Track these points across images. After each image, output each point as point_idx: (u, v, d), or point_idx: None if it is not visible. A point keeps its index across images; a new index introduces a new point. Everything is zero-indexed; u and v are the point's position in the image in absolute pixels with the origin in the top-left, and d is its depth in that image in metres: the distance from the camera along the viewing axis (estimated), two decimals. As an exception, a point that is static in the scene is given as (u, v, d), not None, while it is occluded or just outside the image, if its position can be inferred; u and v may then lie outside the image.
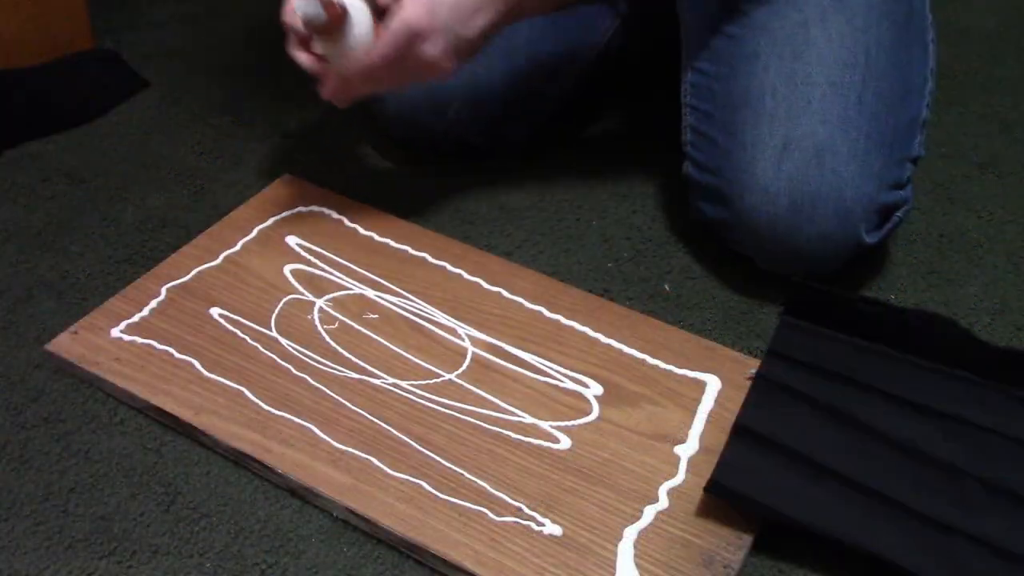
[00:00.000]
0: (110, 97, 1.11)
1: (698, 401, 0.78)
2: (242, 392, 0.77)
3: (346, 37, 0.81)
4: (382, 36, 0.82)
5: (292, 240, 0.92)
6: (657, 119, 1.12)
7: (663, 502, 0.71)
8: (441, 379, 0.79)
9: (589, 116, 1.12)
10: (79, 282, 0.89)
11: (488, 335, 0.83)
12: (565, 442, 0.75)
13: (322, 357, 0.80)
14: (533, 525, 0.69)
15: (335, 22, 0.80)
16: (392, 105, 1.02)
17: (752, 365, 0.80)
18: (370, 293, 0.87)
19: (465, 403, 0.77)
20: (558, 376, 0.80)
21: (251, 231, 0.92)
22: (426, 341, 0.82)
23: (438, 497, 0.70)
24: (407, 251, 0.91)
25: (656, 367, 0.81)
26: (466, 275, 0.89)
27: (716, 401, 0.78)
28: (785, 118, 0.85)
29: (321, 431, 0.74)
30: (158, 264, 0.89)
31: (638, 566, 0.67)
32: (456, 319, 0.84)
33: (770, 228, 0.85)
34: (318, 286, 0.87)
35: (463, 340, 0.83)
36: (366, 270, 0.89)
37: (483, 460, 0.73)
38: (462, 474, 0.72)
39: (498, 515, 0.69)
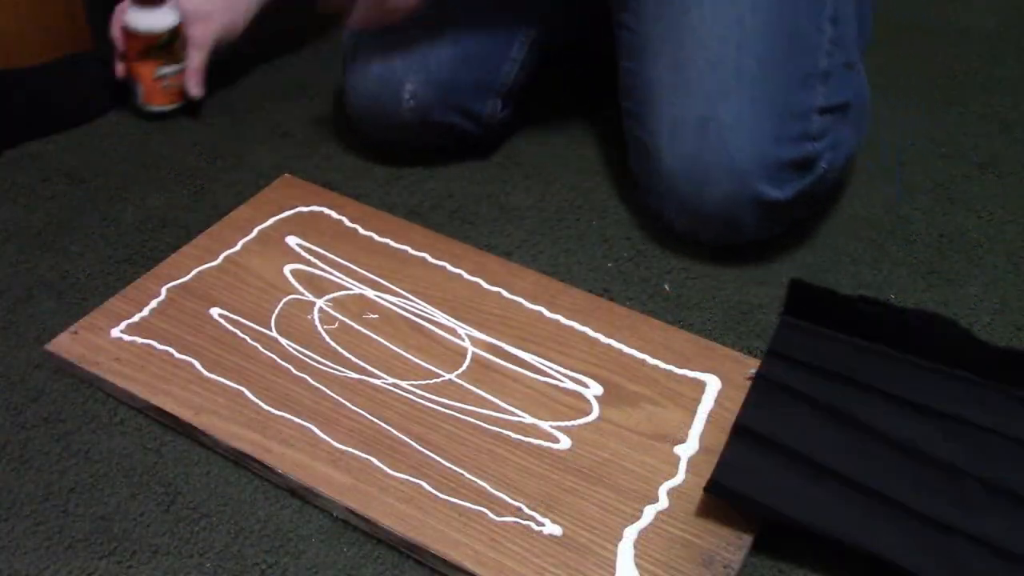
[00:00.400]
0: (110, 97, 1.11)
1: (698, 401, 0.78)
2: (242, 392, 0.77)
3: None
4: None
5: (292, 240, 0.92)
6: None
7: (663, 502, 0.71)
8: (441, 379, 0.79)
9: (587, 108, 1.12)
10: (79, 282, 0.89)
11: (488, 335, 0.83)
12: (565, 442, 0.75)
13: (322, 357, 0.80)
14: (533, 525, 0.69)
15: None
16: (353, 104, 1.02)
17: (752, 365, 0.80)
18: (370, 293, 0.87)
19: (465, 403, 0.77)
20: (558, 376, 0.80)
21: (251, 231, 0.92)
22: (426, 341, 0.82)
23: (438, 497, 0.70)
24: (407, 251, 0.91)
25: (656, 367, 0.81)
26: (466, 275, 0.89)
27: (716, 401, 0.78)
28: (671, 103, 0.90)
29: (321, 431, 0.74)
30: (158, 264, 0.89)
31: (638, 566, 0.67)
32: (456, 319, 0.84)
33: (681, 204, 0.91)
34: (318, 286, 0.87)
35: (463, 340, 0.83)
36: (366, 270, 0.89)
37: (483, 460, 0.73)
38: (462, 474, 0.72)
39: (498, 515, 0.69)
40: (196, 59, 1.08)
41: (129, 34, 1.05)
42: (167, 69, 1.07)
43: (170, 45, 1.06)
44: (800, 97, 0.89)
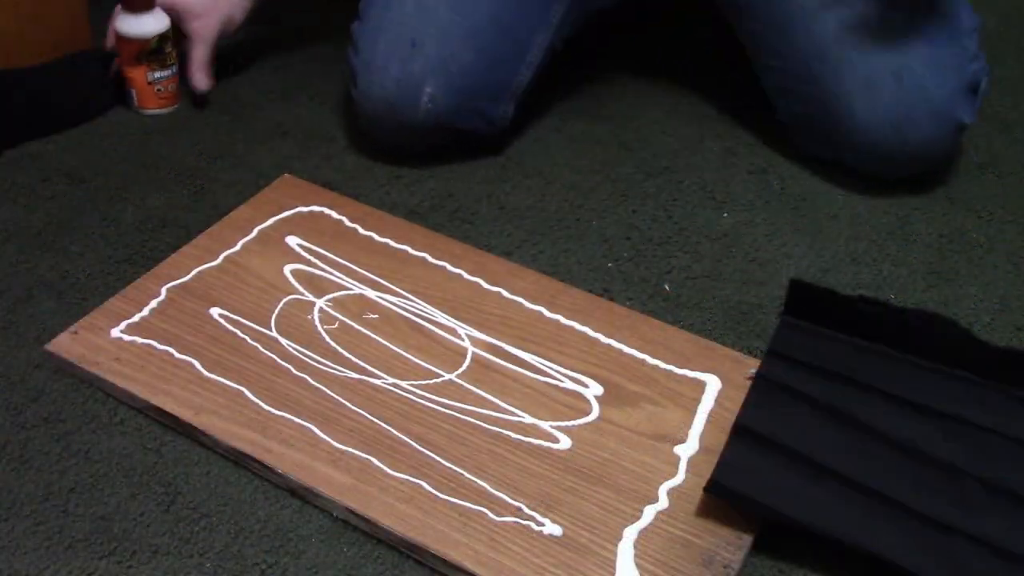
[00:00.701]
0: (110, 97, 1.11)
1: (698, 401, 0.78)
2: (242, 392, 0.77)
3: None
4: None
5: (292, 240, 0.92)
6: (656, 117, 1.12)
7: (663, 502, 0.71)
8: (441, 379, 0.79)
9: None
10: (79, 282, 0.89)
11: (488, 335, 0.83)
12: (565, 442, 0.75)
13: (322, 357, 0.80)
14: (533, 525, 0.69)
15: None
16: (366, 104, 1.01)
17: (752, 365, 0.80)
18: (370, 293, 0.87)
19: (465, 403, 0.77)
20: (558, 376, 0.80)
21: (251, 231, 0.92)
22: (426, 341, 0.82)
23: (438, 497, 0.70)
24: (407, 251, 0.91)
25: (656, 367, 0.81)
26: (466, 275, 0.89)
27: (716, 401, 0.78)
28: (858, 59, 0.96)
29: (321, 431, 0.74)
30: (158, 264, 0.89)
31: (638, 566, 0.67)
32: (456, 319, 0.84)
33: (879, 152, 0.97)
34: (318, 286, 0.87)
35: (463, 340, 0.83)
36: (366, 270, 0.89)
37: (483, 460, 0.73)
38: (462, 474, 0.72)
39: (498, 515, 0.69)
40: (200, 53, 1.09)
41: (120, 40, 1.07)
42: (159, 74, 1.08)
43: (160, 50, 1.07)
44: (962, 23, 0.97)
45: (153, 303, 0.85)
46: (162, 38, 1.07)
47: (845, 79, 0.96)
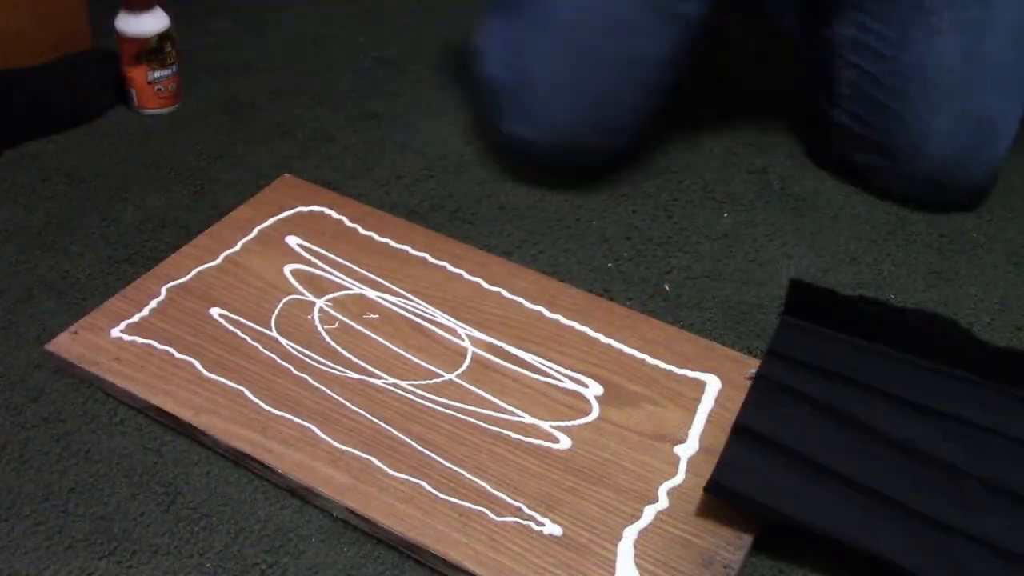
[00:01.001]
0: (110, 97, 1.11)
1: (698, 401, 0.78)
2: (242, 392, 0.77)
3: None
4: None
5: (292, 240, 0.92)
6: (655, 117, 1.12)
7: (663, 502, 0.71)
8: (441, 379, 0.79)
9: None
10: (79, 282, 0.89)
11: (488, 335, 0.83)
12: (565, 442, 0.75)
13: (322, 357, 0.80)
14: (533, 525, 0.69)
15: None
16: (518, 136, 1.00)
17: (752, 365, 0.80)
18: (370, 293, 0.87)
19: (465, 403, 0.77)
20: (558, 376, 0.80)
21: (251, 231, 0.92)
22: (426, 341, 0.82)
23: (438, 497, 0.70)
24: (407, 251, 0.91)
25: (656, 367, 0.81)
26: (466, 275, 0.89)
27: (716, 401, 0.78)
28: (961, 94, 0.94)
29: (321, 431, 0.74)
30: (158, 264, 0.89)
31: (638, 566, 0.67)
32: (456, 319, 0.84)
33: (932, 183, 0.97)
34: (318, 286, 0.87)
35: (463, 340, 0.83)
36: (366, 270, 0.89)
37: (483, 460, 0.73)
38: (462, 474, 0.72)
39: (498, 515, 0.69)
40: None
41: (120, 39, 1.07)
42: (159, 73, 1.08)
43: (160, 49, 1.07)
44: None
45: (153, 303, 0.85)
46: (162, 37, 1.07)
47: (936, 106, 0.94)
